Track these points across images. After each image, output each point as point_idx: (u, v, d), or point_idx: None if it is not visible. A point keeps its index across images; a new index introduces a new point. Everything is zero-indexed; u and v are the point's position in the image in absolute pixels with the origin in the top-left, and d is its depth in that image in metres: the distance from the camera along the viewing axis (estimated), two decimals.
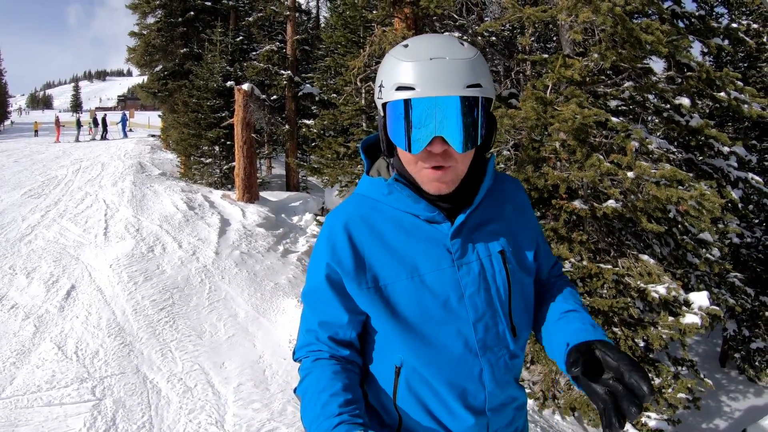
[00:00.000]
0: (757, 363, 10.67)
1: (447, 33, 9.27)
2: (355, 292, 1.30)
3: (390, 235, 1.31)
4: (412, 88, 1.14)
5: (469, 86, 1.14)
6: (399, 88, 1.16)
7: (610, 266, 6.01)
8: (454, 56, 1.15)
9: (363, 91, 10.27)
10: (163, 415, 4.96)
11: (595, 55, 5.66)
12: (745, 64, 10.51)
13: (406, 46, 1.20)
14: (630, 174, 5.33)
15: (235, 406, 5.15)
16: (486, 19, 9.54)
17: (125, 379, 5.53)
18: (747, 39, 6.34)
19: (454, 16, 8.59)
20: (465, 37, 9.23)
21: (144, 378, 5.60)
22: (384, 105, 1.22)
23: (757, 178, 7.42)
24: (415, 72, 1.14)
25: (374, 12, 9.31)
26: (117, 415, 4.86)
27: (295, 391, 1.35)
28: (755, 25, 9.66)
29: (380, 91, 1.22)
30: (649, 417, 5.84)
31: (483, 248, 1.33)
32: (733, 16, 10.62)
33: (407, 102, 1.15)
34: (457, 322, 1.29)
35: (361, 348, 1.41)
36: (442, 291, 1.28)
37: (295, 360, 1.42)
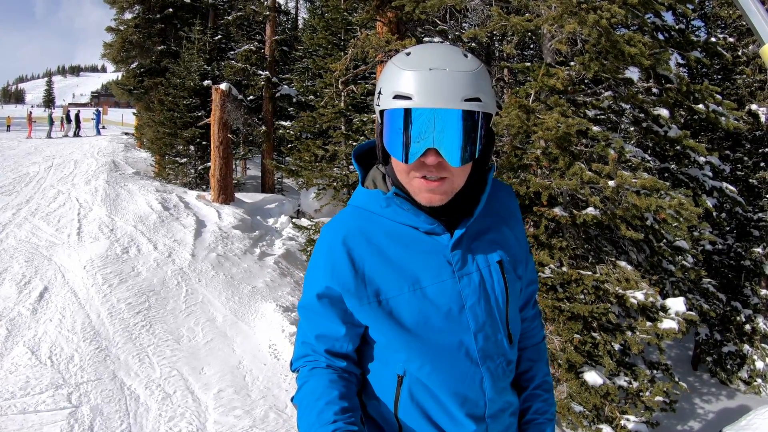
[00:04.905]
0: (728, 366, 10.94)
1: (450, 44, 9.30)
2: (356, 308, 1.30)
3: (389, 248, 1.30)
4: (409, 98, 1.13)
5: (467, 99, 1.13)
6: (396, 97, 1.15)
7: (590, 272, 6.09)
8: (454, 68, 1.13)
9: (344, 94, 10.24)
10: (143, 423, 4.87)
11: (578, 66, 5.73)
12: (720, 76, 10.76)
13: (408, 54, 1.19)
14: (611, 183, 5.41)
15: (216, 413, 5.09)
16: (465, 25, 9.59)
17: (102, 385, 5.42)
18: (725, 53, 6.48)
19: (437, 21, 8.61)
20: (446, 43, 9.27)
21: (121, 384, 5.49)
22: (381, 112, 1.21)
23: (731, 187, 7.62)
24: (414, 81, 1.13)
25: (356, 15, 9.30)
26: (95, 423, 4.76)
27: (292, 399, 1.36)
28: (731, 39, 9.91)
29: (379, 98, 1.21)
30: (628, 420, 5.93)
31: (482, 258, 1.33)
32: (710, 30, 10.87)
33: (404, 111, 1.14)
34: (459, 333, 1.29)
35: (359, 359, 1.42)
36: (443, 302, 1.29)
37: (292, 370, 1.43)
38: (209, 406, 5.21)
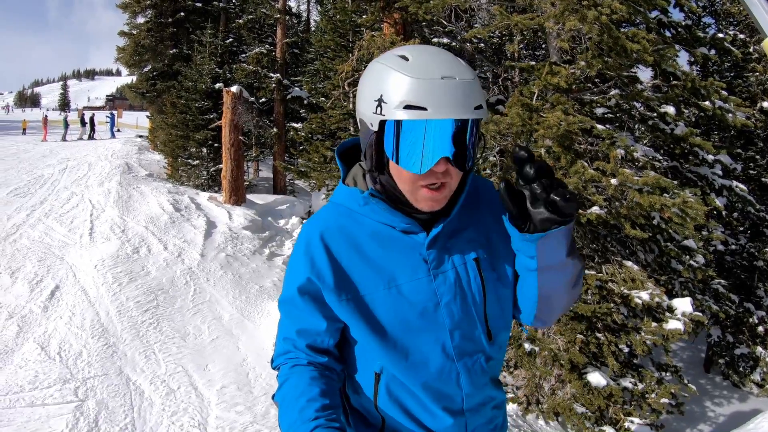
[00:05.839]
0: (741, 369, 10.77)
1: (438, 44, 9.32)
2: (335, 304, 1.31)
3: (367, 246, 1.32)
4: (423, 108, 1.10)
5: (476, 108, 1.13)
6: (408, 107, 1.11)
7: (593, 272, 6.05)
8: (462, 76, 1.12)
9: (351, 95, 10.28)
10: (146, 417, 4.93)
11: (582, 63, 5.71)
12: (731, 74, 10.64)
13: (405, 59, 1.15)
14: (613, 181, 5.38)
15: (218, 409, 5.14)
16: (475, 25, 9.60)
17: (108, 380, 5.49)
18: (733, 49, 6.42)
19: (443, 22, 8.63)
20: (454, 44, 9.29)
21: (127, 379, 5.56)
22: (382, 122, 1.17)
23: (741, 186, 7.53)
24: (426, 91, 1.10)
25: (364, 17, 9.35)
26: (99, 417, 4.83)
27: (273, 397, 1.36)
28: (742, 35, 9.80)
29: (379, 107, 1.15)
30: (632, 422, 5.88)
31: (458, 256, 1.33)
32: (721, 26, 10.77)
33: (417, 123, 1.13)
34: (435, 330, 1.30)
35: (340, 355, 1.42)
36: (419, 300, 1.30)
37: (273, 368, 1.43)
38: (212, 402, 5.26)
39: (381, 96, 1.15)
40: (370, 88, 1.19)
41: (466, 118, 1.12)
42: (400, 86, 1.12)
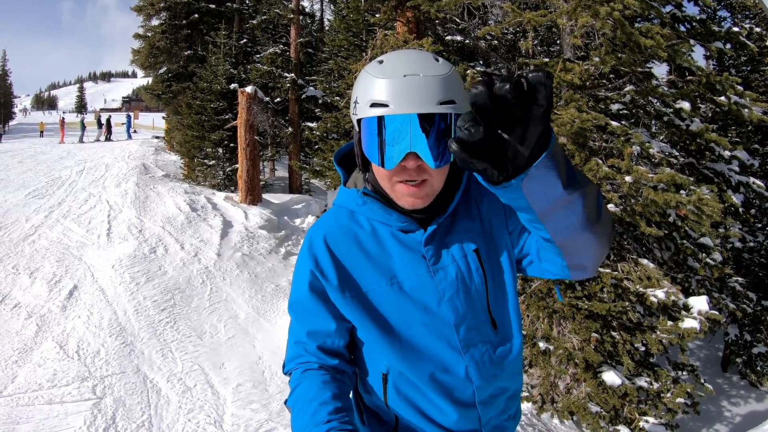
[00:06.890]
0: (758, 368, 10.63)
1: (451, 42, 9.31)
2: (339, 302, 1.34)
3: (368, 244, 1.35)
4: (385, 105, 1.15)
5: (442, 102, 1.14)
6: (373, 105, 1.17)
7: (608, 270, 6.01)
8: (427, 73, 1.15)
9: None
10: (163, 415, 5.00)
11: (596, 59, 5.68)
12: (748, 68, 10.50)
13: (381, 62, 1.21)
14: (628, 178, 5.34)
15: (234, 406, 5.19)
16: (488, 23, 9.56)
17: (126, 378, 5.57)
18: (748, 43, 6.34)
19: (456, 20, 8.61)
20: (467, 41, 9.27)
21: (144, 377, 5.64)
22: (359, 121, 1.23)
23: (758, 182, 7.43)
24: (389, 89, 1.15)
25: (377, 16, 9.36)
26: (117, 414, 4.90)
27: (286, 402, 1.38)
28: (758, 29, 9.66)
29: (355, 107, 1.23)
30: (647, 421, 5.83)
31: (458, 250, 1.35)
32: (736, 20, 10.62)
33: (381, 118, 1.16)
34: (439, 325, 1.32)
35: (351, 356, 1.44)
36: (421, 296, 1.32)
37: (285, 373, 1.45)
38: (227, 400, 5.32)
39: (356, 98, 1.23)
40: (353, 92, 1.26)
41: (428, 113, 1.13)
42: (369, 86, 1.19)
